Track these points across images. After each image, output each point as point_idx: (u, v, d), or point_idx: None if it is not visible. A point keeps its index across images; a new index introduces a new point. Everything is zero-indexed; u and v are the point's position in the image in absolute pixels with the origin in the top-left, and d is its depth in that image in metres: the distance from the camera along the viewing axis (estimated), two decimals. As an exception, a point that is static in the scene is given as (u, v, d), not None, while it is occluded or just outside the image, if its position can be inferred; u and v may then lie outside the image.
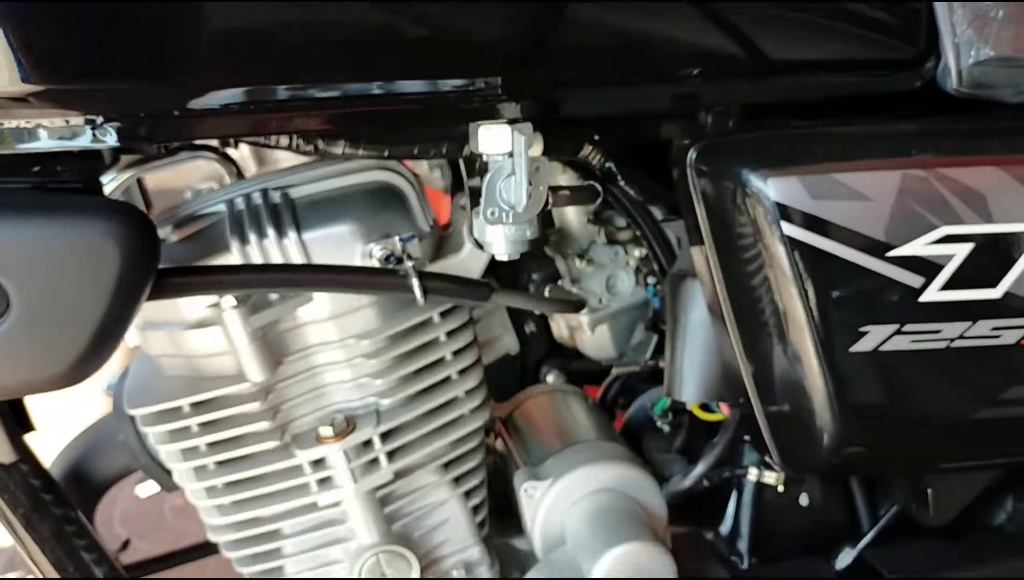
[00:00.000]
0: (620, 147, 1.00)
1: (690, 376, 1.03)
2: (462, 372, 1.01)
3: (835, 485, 1.24)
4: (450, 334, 0.99)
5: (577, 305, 1.13)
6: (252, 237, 0.89)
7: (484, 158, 0.81)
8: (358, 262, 0.91)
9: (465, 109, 0.78)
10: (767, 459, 1.11)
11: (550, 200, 0.87)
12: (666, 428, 1.21)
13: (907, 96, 0.88)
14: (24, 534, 1.06)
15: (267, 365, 0.90)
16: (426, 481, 1.02)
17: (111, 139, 0.68)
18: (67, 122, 0.67)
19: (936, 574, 1.15)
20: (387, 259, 0.91)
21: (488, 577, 1.06)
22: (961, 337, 0.87)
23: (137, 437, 1.07)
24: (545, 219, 0.94)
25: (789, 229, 0.83)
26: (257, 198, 0.92)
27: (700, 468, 1.10)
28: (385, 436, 0.97)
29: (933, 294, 0.85)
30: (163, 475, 1.09)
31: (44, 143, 0.68)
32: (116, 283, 0.70)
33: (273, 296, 0.90)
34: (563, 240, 1.27)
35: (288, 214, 0.91)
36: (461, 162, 0.96)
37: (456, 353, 1.00)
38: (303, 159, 0.94)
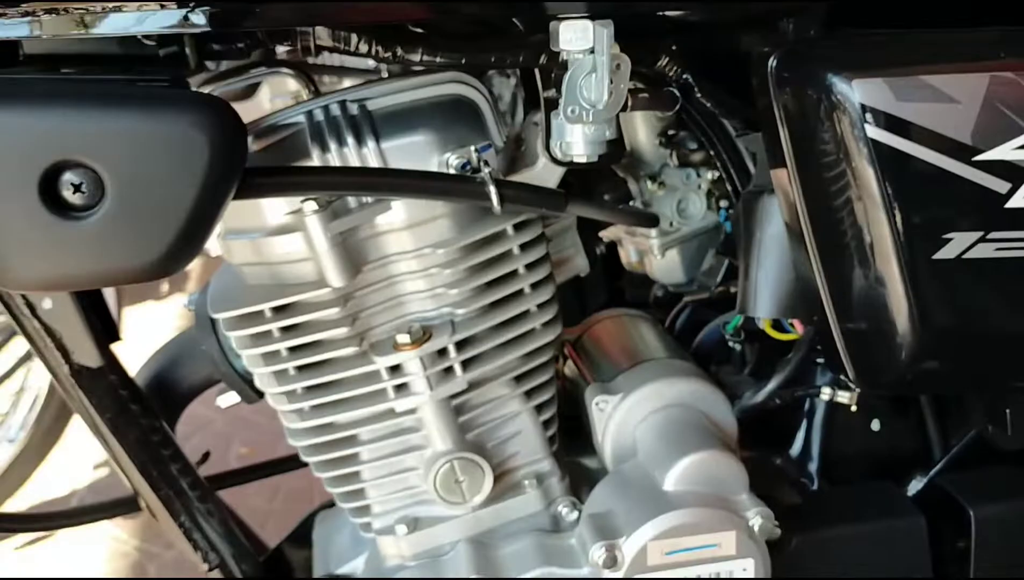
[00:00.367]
0: (698, 59, 1.00)
1: (764, 292, 1.03)
2: (535, 286, 1.01)
3: (907, 412, 1.23)
4: (523, 247, 0.99)
5: (652, 218, 1.13)
6: (332, 145, 0.91)
7: (564, 56, 0.81)
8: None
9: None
10: (841, 378, 1.11)
11: (629, 102, 0.87)
12: (737, 347, 1.21)
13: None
14: (112, 439, 1.10)
15: (347, 271, 0.91)
16: (499, 393, 1.03)
17: (201, 20, 0.69)
18: (161, 6, 0.69)
19: (1011, 499, 1.13)
20: (463, 168, 0.92)
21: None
22: (1049, 246, 0.85)
23: (219, 347, 1.10)
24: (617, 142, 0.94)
25: (873, 132, 0.81)
26: (335, 109, 0.93)
27: (773, 384, 1.10)
28: (460, 346, 0.98)
29: (1020, 200, 0.83)
30: (243, 385, 1.12)
31: (136, 24, 0.69)
32: (206, 174, 0.71)
33: (353, 203, 0.92)
34: (634, 162, 1.26)
35: (366, 124, 0.92)
36: (536, 73, 0.96)
37: (529, 266, 1.00)
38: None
